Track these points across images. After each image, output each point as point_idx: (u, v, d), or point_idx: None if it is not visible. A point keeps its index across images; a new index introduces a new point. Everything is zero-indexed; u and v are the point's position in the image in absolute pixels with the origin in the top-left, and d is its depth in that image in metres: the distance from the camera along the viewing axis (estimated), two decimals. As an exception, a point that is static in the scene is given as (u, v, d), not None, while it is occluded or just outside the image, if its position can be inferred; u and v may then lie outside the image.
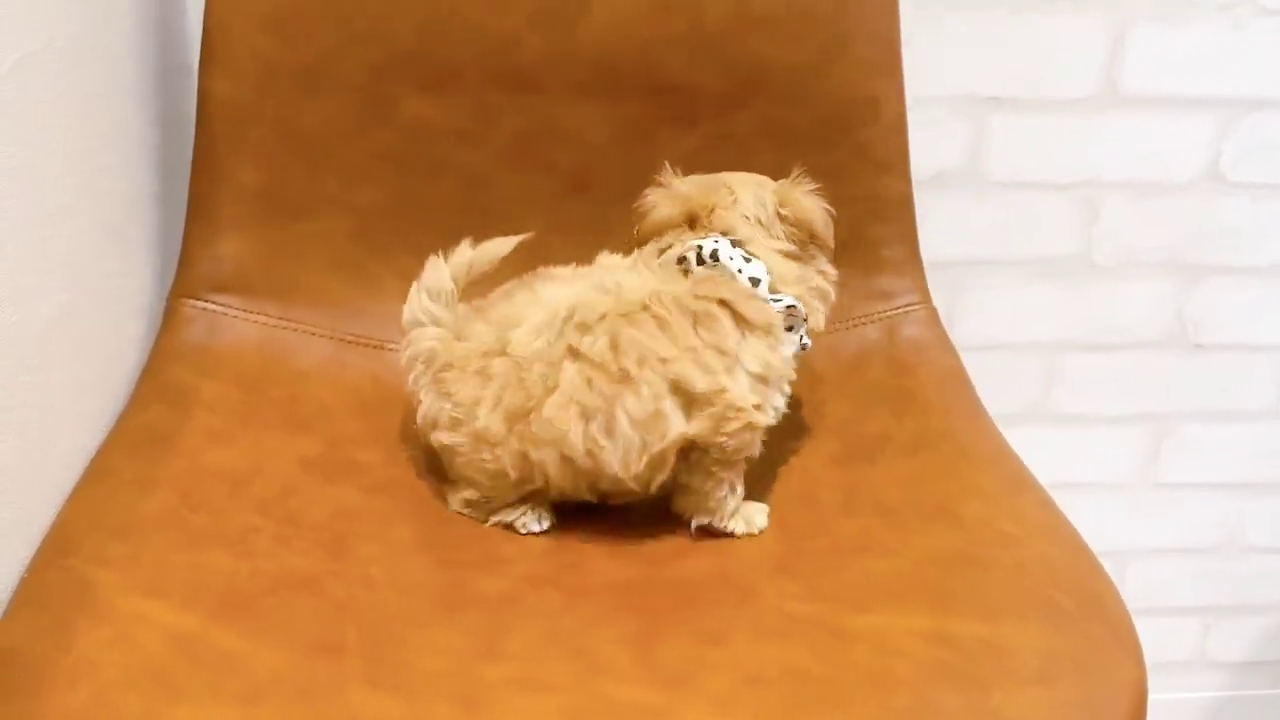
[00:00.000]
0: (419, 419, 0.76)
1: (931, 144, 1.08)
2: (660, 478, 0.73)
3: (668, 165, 0.80)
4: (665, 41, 0.89)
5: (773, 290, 0.74)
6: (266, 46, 0.87)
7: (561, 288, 0.74)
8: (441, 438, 0.74)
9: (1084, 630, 0.64)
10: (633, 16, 0.88)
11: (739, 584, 0.71)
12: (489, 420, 0.72)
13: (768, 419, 0.73)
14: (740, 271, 0.74)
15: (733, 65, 0.90)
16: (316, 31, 0.87)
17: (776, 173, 0.81)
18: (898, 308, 0.93)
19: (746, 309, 0.72)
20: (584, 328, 0.71)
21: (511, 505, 0.76)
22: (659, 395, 0.70)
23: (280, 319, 0.89)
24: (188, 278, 0.88)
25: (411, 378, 0.76)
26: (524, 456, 0.72)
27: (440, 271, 0.76)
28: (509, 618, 0.67)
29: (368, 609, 0.67)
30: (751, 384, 0.72)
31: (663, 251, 0.76)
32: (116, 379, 0.82)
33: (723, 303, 0.72)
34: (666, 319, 0.71)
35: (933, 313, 0.93)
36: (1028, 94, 1.09)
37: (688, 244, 0.75)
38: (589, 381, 0.70)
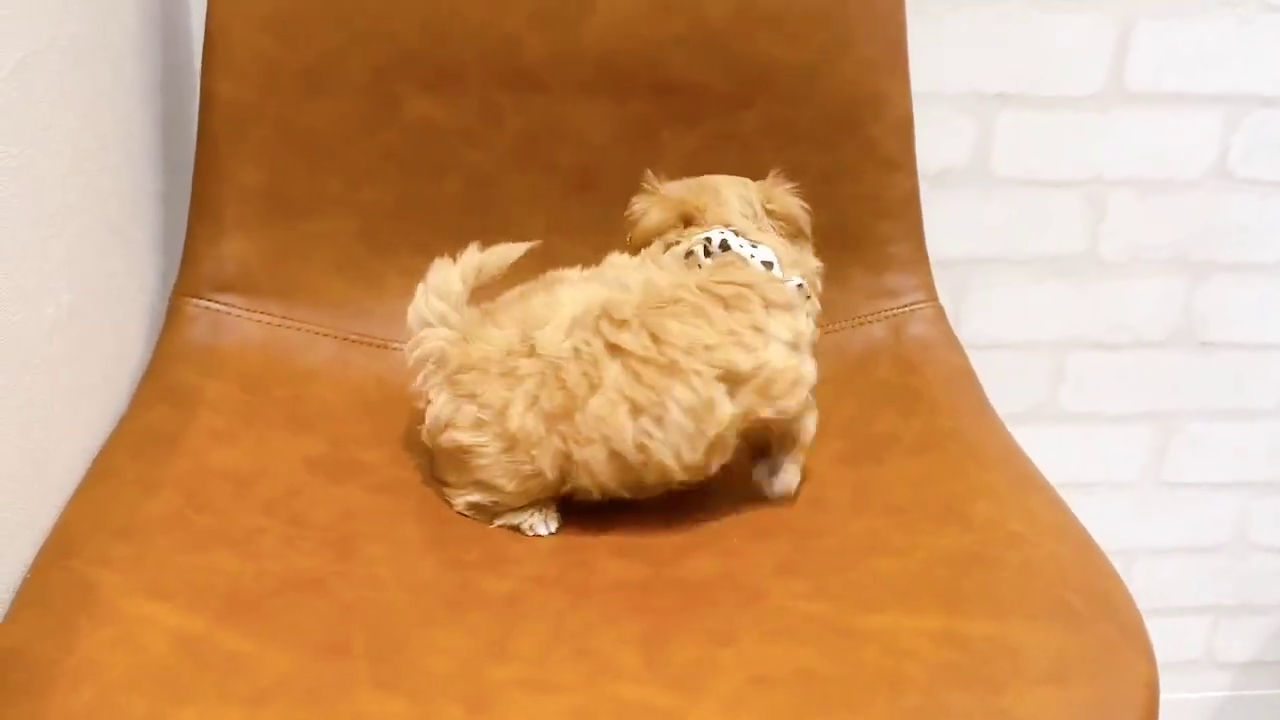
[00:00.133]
0: (428, 419, 0.75)
1: (937, 141, 1.08)
2: (720, 461, 0.74)
3: (649, 173, 0.82)
4: (668, 41, 0.89)
5: (784, 272, 0.77)
6: (269, 46, 0.86)
7: (578, 288, 0.75)
8: (460, 438, 0.73)
9: (1095, 630, 0.64)
10: (636, 16, 0.88)
11: (747, 584, 0.70)
12: (524, 421, 0.72)
13: (812, 378, 0.75)
14: (752, 256, 0.75)
15: (736, 64, 0.90)
16: (319, 31, 0.87)
17: (784, 173, 0.82)
18: (904, 306, 0.92)
19: (769, 290, 0.74)
20: (621, 324, 0.71)
21: (519, 508, 0.75)
22: (709, 382, 0.71)
23: (284, 318, 0.88)
24: (191, 277, 0.88)
25: (420, 378, 0.75)
26: (566, 456, 0.72)
27: (447, 273, 0.75)
28: (516, 618, 0.67)
29: (374, 609, 0.67)
30: (786, 352, 0.73)
31: (668, 248, 0.77)
32: (120, 379, 0.82)
33: (748, 285, 0.73)
34: (703, 307, 0.72)
35: (939, 311, 0.93)
36: (1034, 91, 1.09)
37: (695, 238, 0.76)
38: (636, 376, 0.71)
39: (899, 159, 0.91)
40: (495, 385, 0.73)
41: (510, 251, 0.77)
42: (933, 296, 0.93)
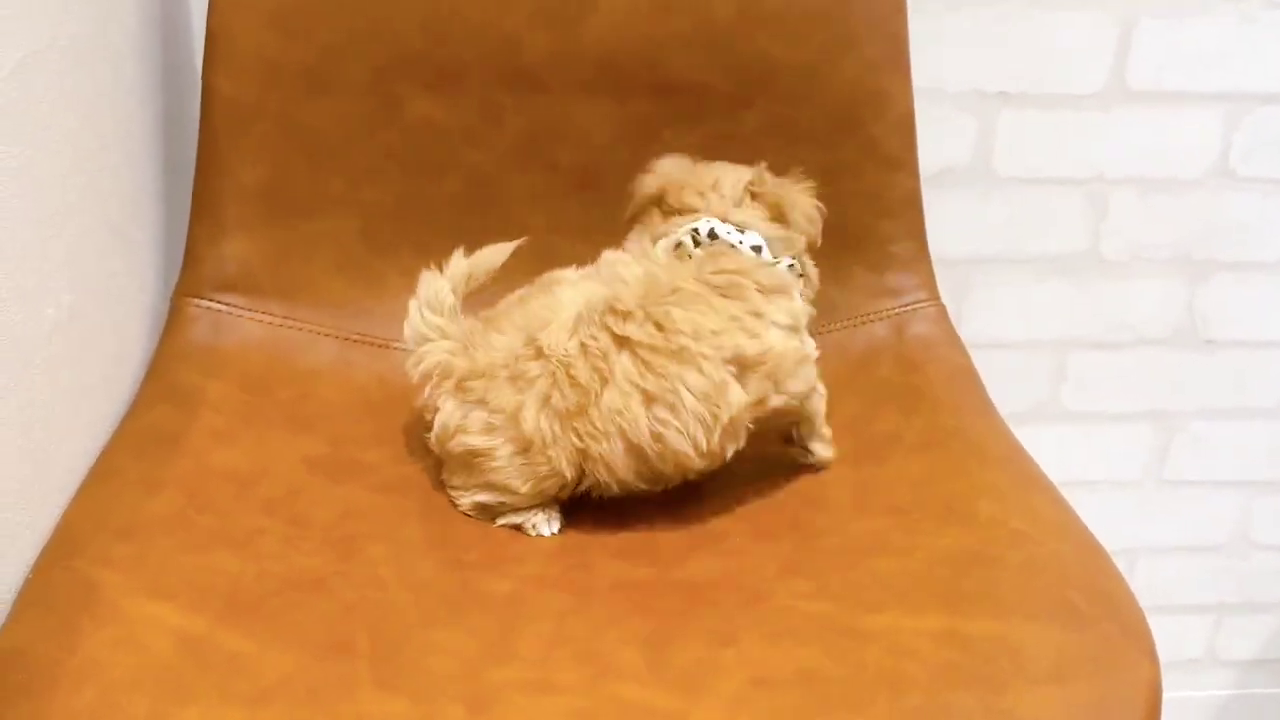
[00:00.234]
0: (435, 426, 0.75)
1: (939, 140, 1.07)
2: (735, 447, 0.74)
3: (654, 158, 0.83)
4: (669, 40, 0.89)
5: (773, 255, 0.77)
6: (270, 45, 0.86)
7: (577, 288, 0.75)
8: (472, 442, 0.73)
9: (1098, 629, 0.64)
10: (637, 15, 0.88)
11: (748, 584, 0.70)
12: (539, 423, 0.72)
13: (813, 351, 0.76)
14: (740, 243, 0.75)
15: (738, 63, 0.89)
16: (320, 31, 0.87)
17: (782, 172, 0.81)
18: (906, 305, 0.92)
19: (761, 275, 0.74)
20: (625, 316, 0.72)
21: (522, 508, 0.75)
22: (718, 365, 0.72)
23: (285, 318, 0.88)
24: (192, 277, 0.88)
25: (426, 391, 0.75)
26: (583, 453, 0.72)
27: (437, 285, 0.76)
28: (518, 619, 0.67)
29: (376, 610, 0.67)
30: (786, 335, 0.74)
31: (656, 240, 0.77)
32: (121, 379, 0.82)
33: (739, 272, 0.74)
34: (703, 294, 0.73)
35: (942, 310, 0.93)
36: (1035, 90, 1.08)
37: (683, 229, 0.76)
38: (646, 365, 0.71)
39: (901, 158, 0.91)
40: (505, 390, 0.73)
41: (497, 253, 0.78)
42: (935, 295, 0.93)
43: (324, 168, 0.89)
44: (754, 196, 0.79)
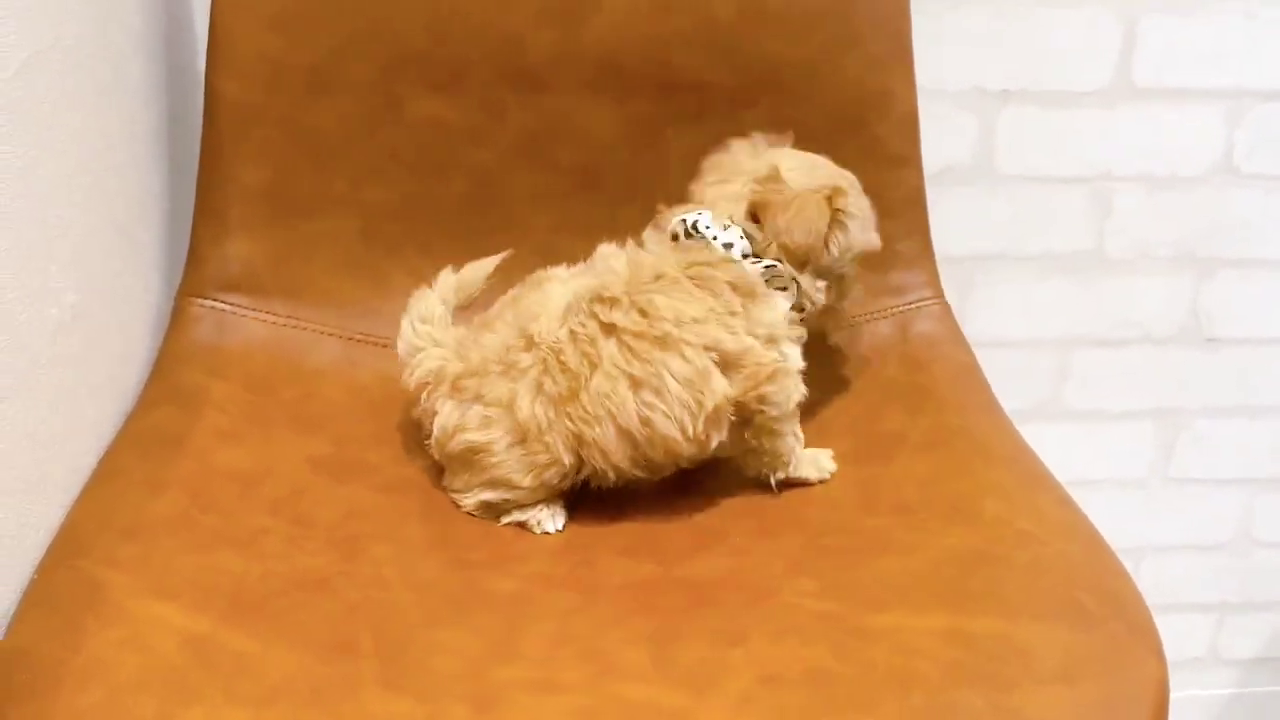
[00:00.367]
0: (435, 430, 0.75)
1: (941, 139, 1.07)
2: (719, 437, 0.74)
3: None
4: (672, 39, 0.88)
5: (757, 255, 0.76)
6: (274, 46, 0.86)
7: (568, 283, 0.76)
8: (471, 438, 0.74)
9: (1105, 629, 0.64)
10: (640, 14, 0.88)
11: (754, 583, 0.70)
12: (533, 410, 0.73)
13: (795, 364, 0.75)
14: (715, 239, 0.75)
15: (742, 61, 0.89)
16: (324, 31, 0.86)
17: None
18: (910, 303, 0.92)
19: (725, 272, 0.74)
20: (612, 302, 0.73)
21: (527, 504, 0.75)
22: (699, 352, 0.72)
23: (289, 318, 0.88)
24: (196, 277, 0.88)
25: (423, 398, 0.76)
26: (578, 438, 0.73)
27: (427, 299, 0.79)
28: (522, 618, 0.67)
29: (380, 609, 0.67)
30: (765, 343, 0.74)
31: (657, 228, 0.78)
32: (125, 379, 0.82)
33: (708, 265, 0.74)
34: (680, 282, 0.73)
35: (946, 308, 0.93)
36: (1037, 87, 1.08)
37: (676, 219, 0.77)
38: (631, 351, 0.72)
39: (904, 156, 0.91)
40: (498, 382, 0.73)
41: (484, 266, 0.81)
42: (939, 293, 0.93)
43: (327, 168, 0.89)
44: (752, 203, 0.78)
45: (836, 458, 0.79)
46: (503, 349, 0.74)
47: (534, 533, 0.75)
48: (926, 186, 0.93)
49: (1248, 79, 1.09)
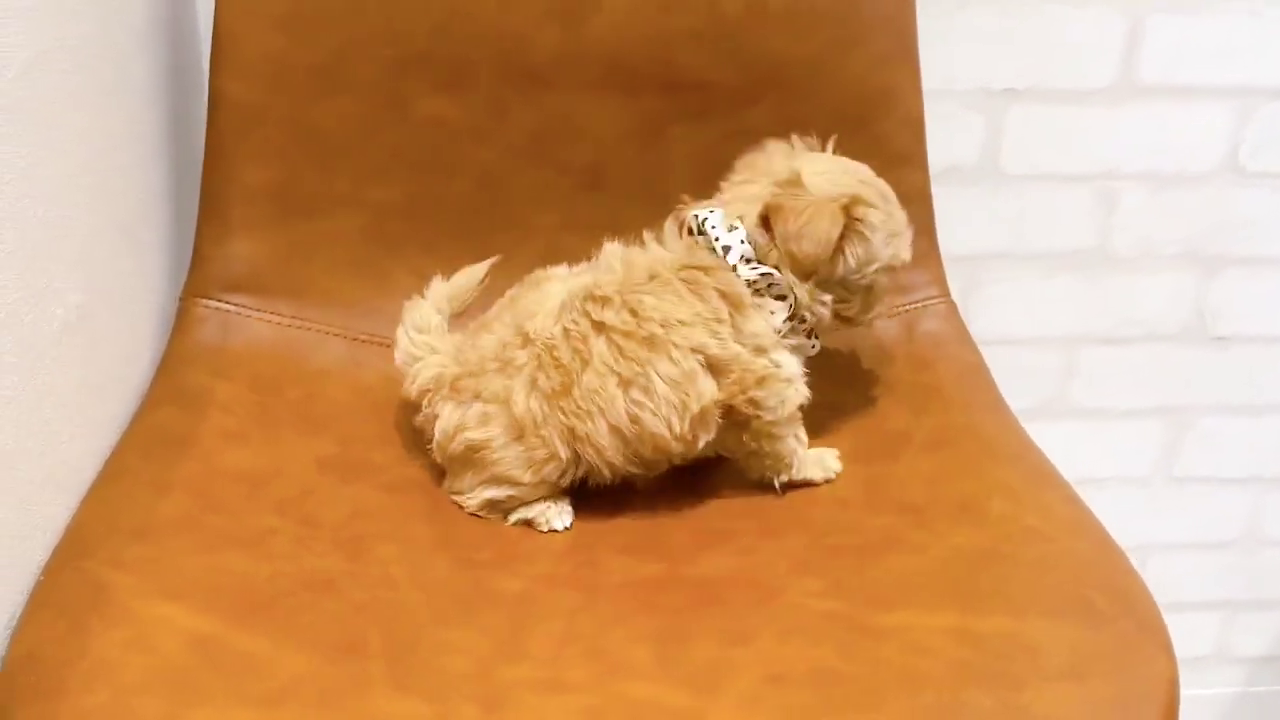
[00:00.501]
0: (437, 433, 0.76)
1: (947, 137, 1.07)
2: (706, 437, 0.74)
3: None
4: (678, 37, 0.88)
5: (759, 260, 0.75)
6: (278, 46, 0.86)
7: (565, 282, 0.76)
8: (471, 436, 0.74)
9: (1114, 626, 0.63)
10: (644, 12, 0.88)
11: (761, 582, 0.70)
12: (528, 404, 0.73)
13: (789, 371, 0.75)
14: (717, 240, 0.75)
15: (746, 60, 0.89)
16: (328, 31, 0.86)
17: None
18: (916, 302, 0.92)
19: (715, 279, 0.74)
20: (603, 301, 0.73)
21: (533, 501, 0.75)
22: (686, 354, 0.72)
23: (294, 318, 0.88)
24: (200, 277, 0.88)
25: (424, 405, 0.77)
26: (572, 432, 0.73)
27: (422, 308, 0.79)
28: (529, 617, 0.67)
29: (387, 609, 0.66)
30: (753, 352, 0.74)
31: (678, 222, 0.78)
32: (130, 380, 0.82)
33: (701, 269, 0.74)
34: (672, 283, 0.73)
35: (952, 307, 0.92)
36: (1043, 86, 1.08)
37: (691, 213, 0.76)
38: (620, 350, 0.72)
39: (910, 154, 0.91)
40: (495, 379, 0.74)
41: (475, 272, 0.82)
42: (945, 292, 0.92)
43: (331, 167, 0.88)
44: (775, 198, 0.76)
45: (842, 457, 0.79)
46: (499, 347, 0.74)
47: (541, 530, 0.75)
48: (933, 185, 0.93)
49: (1254, 77, 1.09)
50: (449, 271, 0.86)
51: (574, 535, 0.75)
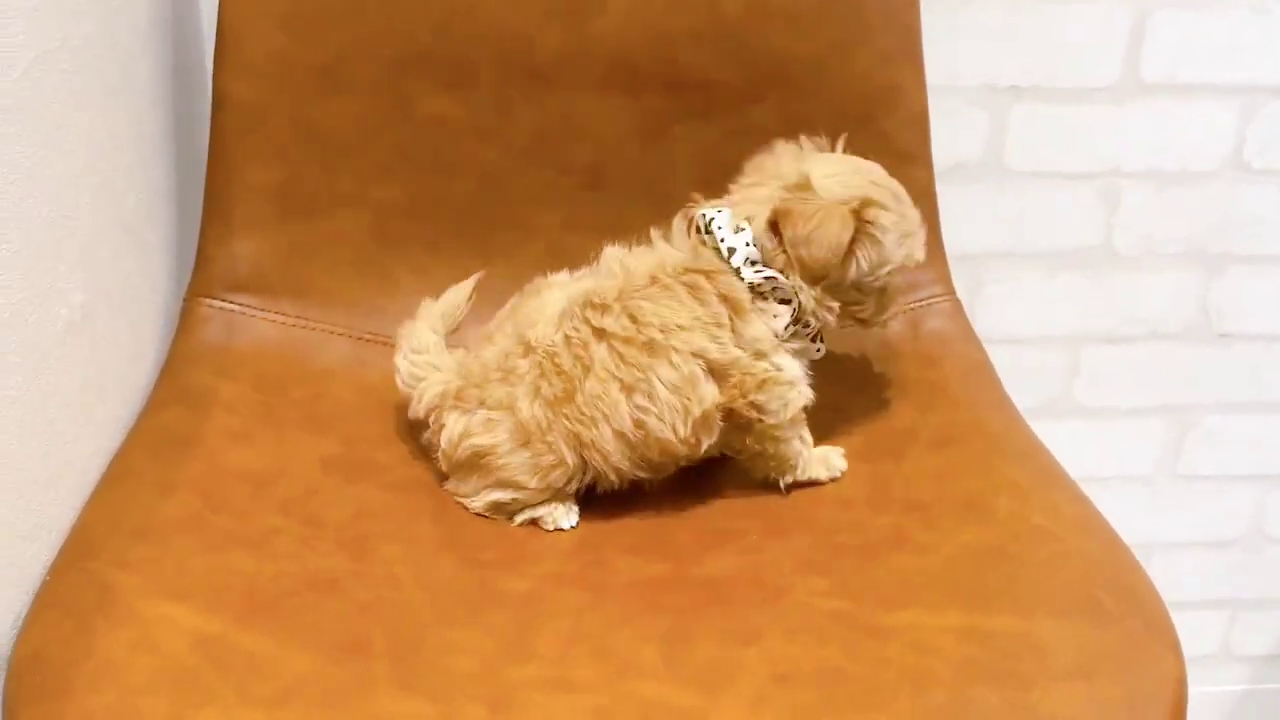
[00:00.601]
0: (443, 442, 0.75)
1: (951, 135, 1.07)
2: (709, 440, 0.74)
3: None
4: (681, 35, 0.88)
5: (765, 263, 0.74)
6: (281, 45, 0.86)
7: (566, 288, 0.76)
8: (478, 442, 0.74)
9: (1122, 625, 0.63)
10: (648, 11, 0.87)
11: (768, 581, 0.70)
12: (532, 410, 0.73)
13: (790, 374, 0.74)
14: (723, 241, 0.74)
15: (750, 58, 0.89)
16: (332, 30, 0.86)
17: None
18: (921, 300, 0.91)
19: (717, 283, 0.73)
20: (603, 308, 0.73)
21: (539, 502, 0.75)
22: (687, 358, 0.72)
23: (298, 318, 0.88)
24: (205, 277, 0.87)
25: (431, 421, 0.76)
26: (578, 437, 0.73)
27: (418, 330, 0.79)
28: (535, 617, 0.67)
29: (392, 609, 0.66)
30: (753, 356, 0.74)
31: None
32: (134, 380, 0.81)
33: (701, 272, 0.74)
34: (672, 287, 0.73)
35: (957, 304, 0.92)
36: (1048, 83, 1.08)
37: (700, 211, 0.76)
38: (621, 357, 0.72)
39: (914, 152, 0.90)
40: (499, 388, 0.74)
41: (462, 289, 0.82)
42: (950, 290, 0.92)
43: (335, 167, 0.88)
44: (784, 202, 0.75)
45: (847, 455, 0.79)
46: (502, 356, 0.75)
47: (547, 529, 0.75)
48: (938, 183, 0.92)
49: (1259, 74, 1.09)
50: (451, 271, 0.86)
51: (580, 535, 0.75)
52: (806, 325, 0.75)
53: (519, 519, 0.75)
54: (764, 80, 0.89)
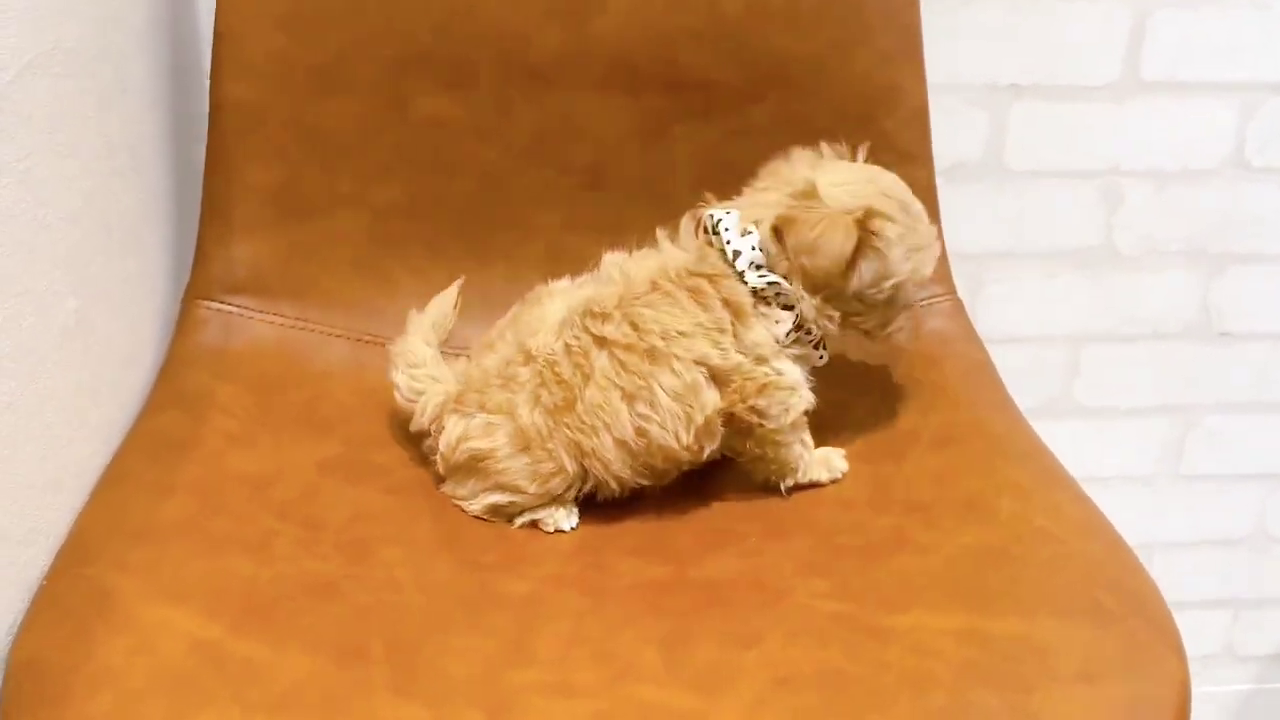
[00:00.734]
0: (441, 446, 0.75)
1: (951, 134, 1.06)
2: (711, 446, 0.74)
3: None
4: (681, 35, 0.88)
5: (769, 268, 0.73)
6: (279, 46, 0.86)
7: (566, 296, 0.76)
8: (476, 445, 0.74)
9: (1125, 627, 0.63)
10: (647, 10, 0.87)
11: (768, 583, 0.69)
12: (532, 417, 0.73)
13: (791, 379, 0.74)
14: (729, 244, 0.74)
15: (750, 58, 0.89)
16: (330, 30, 0.86)
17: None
18: (922, 300, 0.91)
19: (720, 287, 0.73)
20: (603, 316, 0.73)
21: (534, 506, 0.75)
22: (689, 366, 0.72)
23: (296, 319, 0.88)
24: (202, 279, 0.87)
25: (433, 430, 0.76)
26: (579, 446, 0.73)
27: (412, 345, 0.79)
28: (535, 620, 0.66)
29: (391, 613, 0.66)
30: (754, 361, 0.73)
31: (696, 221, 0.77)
32: (132, 383, 0.81)
33: (704, 276, 0.73)
34: (675, 294, 0.73)
35: (958, 304, 0.92)
36: (1048, 82, 1.07)
37: (707, 213, 0.76)
38: (622, 365, 0.72)
39: (915, 151, 0.90)
40: (498, 394, 0.74)
41: (447, 297, 0.82)
42: (951, 290, 0.92)
43: (334, 168, 0.88)
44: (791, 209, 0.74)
45: (848, 456, 0.79)
46: (503, 364, 0.74)
47: (547, 531, 0.75)
48: (938, 182, 0.92)
49: (1259, 73, 1.09)
50: (451, 272, 0.86)
51: (580, 537, 0.75)
52: (809, 332, 0.75)
53: (519, 521, 0.75)
54: (764, 80, 0.89)
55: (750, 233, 0.74)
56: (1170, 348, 1.19)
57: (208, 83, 0.87)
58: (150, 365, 0.84)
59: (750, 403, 0.73)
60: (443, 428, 0.75)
